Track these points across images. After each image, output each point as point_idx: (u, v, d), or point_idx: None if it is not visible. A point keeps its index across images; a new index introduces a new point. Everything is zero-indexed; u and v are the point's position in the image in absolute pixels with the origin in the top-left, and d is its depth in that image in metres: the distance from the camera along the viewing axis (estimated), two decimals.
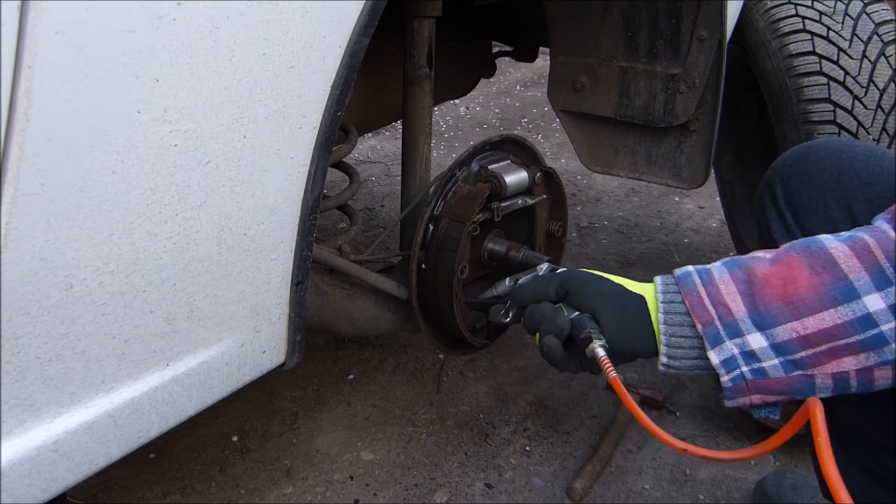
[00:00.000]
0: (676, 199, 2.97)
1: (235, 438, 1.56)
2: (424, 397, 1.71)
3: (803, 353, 0.72)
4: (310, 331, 1.06)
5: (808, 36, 1.61)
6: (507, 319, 1.02)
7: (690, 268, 0.81)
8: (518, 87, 4.93)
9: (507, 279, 1.06)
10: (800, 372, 0.73)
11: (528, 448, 1.56)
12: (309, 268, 0.91)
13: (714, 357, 0.75)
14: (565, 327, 0.85)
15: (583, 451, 1.55)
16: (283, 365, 0.95)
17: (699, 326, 0.76)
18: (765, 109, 1.74)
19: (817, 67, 1.58)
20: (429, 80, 1.30)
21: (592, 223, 2.77)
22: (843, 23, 1.61)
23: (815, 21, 1.62)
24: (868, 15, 1.63)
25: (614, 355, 0.82)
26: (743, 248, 2.15)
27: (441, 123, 4.11)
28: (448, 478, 1.47)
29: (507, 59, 2.29)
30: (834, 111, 1.55)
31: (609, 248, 2.55)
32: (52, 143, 0.59)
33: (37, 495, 0.70)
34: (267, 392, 1.70)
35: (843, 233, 0.75)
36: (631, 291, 0.85)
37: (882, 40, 1.60)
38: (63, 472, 0.72)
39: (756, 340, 0.73)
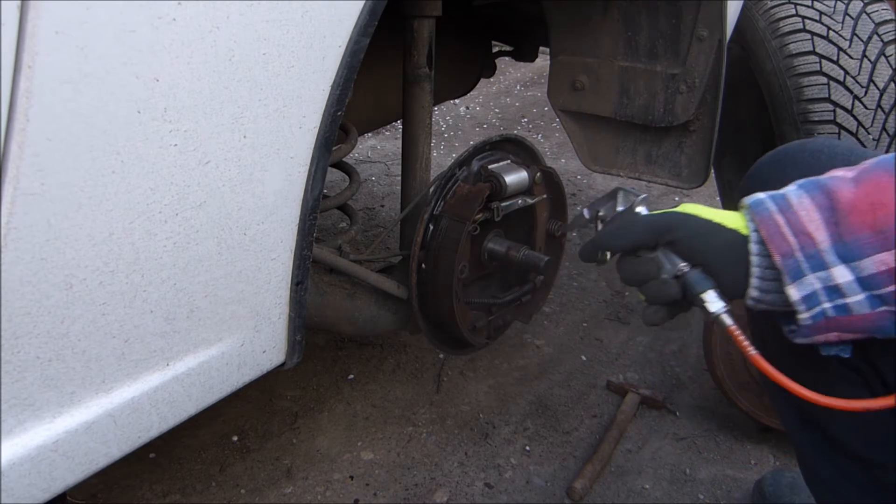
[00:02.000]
0: (676, 198, 2.97)
1: (235, 438, 1.56)
2: (424, 397, 1.71)
3: (892, 288, 0.65)
4: (310, 330, 1.06)
5: (808, 36, 1.61)
6: (607, 259, 0.86)
7: (761, 195, 0.73)
8: (518, 87, 4.93)
9: (585, 210, 0.91)
10: (885, 308, 0.67)
11: (528, 448, 1.56)
12: (309, 268, 0.91)
13: (794, 292, 0.68)
14: (676, 295, 0.77)
15: (583, 451, 1.55)
16: (283, 365, 0.95)
17: (777, 259, 0.69)
18: (765, 109, 1.74)
19: (817, 67, 1.58)
20: (429, 80, 1.30)
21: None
22: (843, 23, 1.61)
23: (815, 21, 1.62)
24: (868, 15, 1.63)
25: (751, 301, 0.75)
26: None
27: (441, 123, 4.10)
28: (448, 477, 1.47)
29: (507, 59, 2.29)
30: (834, 111, 1.55)
31: None
32: (52, 143, 0.59)
33: (37, 495, 0.70)
34: (267, 392, 1.70)
35: None
36: (743, 236, 0.74)
37: (882, 40, 1.60)
38: (63, 472, 0.72)
39: (841, 274, 0.66)
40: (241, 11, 0.70)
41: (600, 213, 0.89)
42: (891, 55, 1.58)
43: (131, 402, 0.76)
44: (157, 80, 0.65)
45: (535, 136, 3.92)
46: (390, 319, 1.32)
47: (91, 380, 0.71)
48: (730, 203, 2.23)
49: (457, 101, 4.42)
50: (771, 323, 0.80)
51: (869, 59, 1.57)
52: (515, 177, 1.28)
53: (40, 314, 0.64)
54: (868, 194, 0.66)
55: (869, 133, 1.53)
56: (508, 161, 1.33)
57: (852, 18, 1.62)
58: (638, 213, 0.86)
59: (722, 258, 0.75)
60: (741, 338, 0.74)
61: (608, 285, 2.27)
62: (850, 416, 0.78)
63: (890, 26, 1.62)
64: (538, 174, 1.34)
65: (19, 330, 0.63)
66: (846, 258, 0.66)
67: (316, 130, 0.84)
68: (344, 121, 1.07)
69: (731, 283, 0.75)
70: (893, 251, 0.64)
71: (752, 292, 0.73)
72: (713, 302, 0.75)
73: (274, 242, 0.85)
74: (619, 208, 0.89)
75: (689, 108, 1.51)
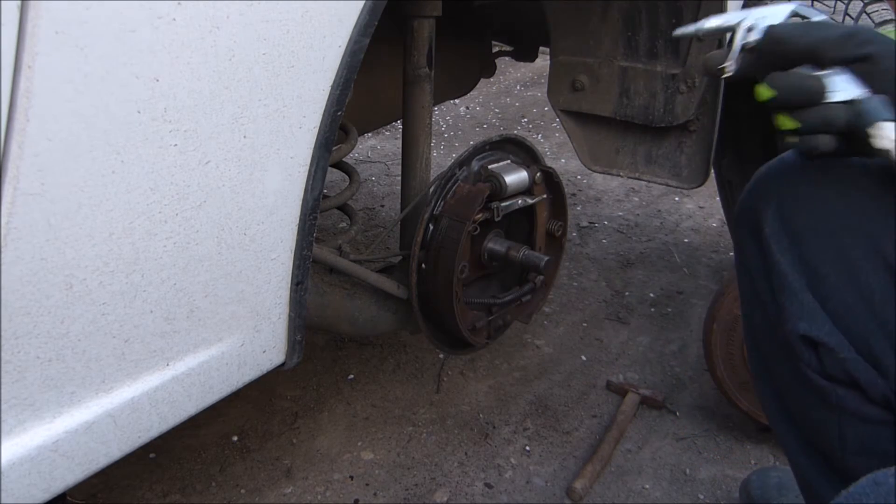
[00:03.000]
0: (676, 199, 2.97)
1: (235, 438, 1.56)
2: (424, 397, 1.71)
3: None
4: (310, 330, 1.06)
5: None
6: (729, 72, 0.70)
7: None
8: (518, 87, 4.93)
9: (718, 17, 0.74)
10: None
11: (528, 448, 1.56)
12: (309, 268, 0.91)
13: None
14: (843, 122, 0.65)
15: (583, 451, 1.55)
16: (283, 365, 0.95)
17: None
18: (765, 109, 1.74)
19: None
20: (429, 80, 1.30)
21: (592, 223, 2.77)
22: (842, 23, 1.61)
23: None
24: (868, 15, 1.63)
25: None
26: None
27: (441, 123, 4.11)
28: (448, 477, 1.47)
29: (507, 59, 2.29)
30: None
31: (609, 248, 2.55)
32: (52, 143, 0.59)
33: (37, 495, 0.70)
34: (267, 392, 1.70)
35: None
36: None
37: None
38: (63, 472, 0.72)
39: None
40: (241, 11, 0.70)
41: (747, 23, 0.71)
42: None
43: (131, 402, 0.76)
44: (157, 80, 0.65)
45: (535, 136, 3.92)
46: (390, 319, 1.32)
47: (91, 380, 0.71)
48: (730, 203, 2.23)
49: (457, 101, 4.42)
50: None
51: None
52: (515, 177, 1.29)
53: (40, 314, 0.64)
54: None
55: None
56: (508, 161, 1.34)
57: (852, 18, 1.62)
58: (822, 17, 0.71)
59: None
60: None
61: (608, 285, 2.27)
62: (864, 453, 0.77)
63: (890, 26, 1.62)
64: (538, 174, 1.34)
65: (19, 330, 0.63)
66: None
67: (316, 130, 0.84)
68: (344, 121, 1.07)
69: None
70: None
71: None
72: (886, 136, 0.63)
73: (274, 242, 0.85)
74: (779, 20, 0.71)
75: (689, 108, 1.51)
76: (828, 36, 0.67)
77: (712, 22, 0.75)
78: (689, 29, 0.78)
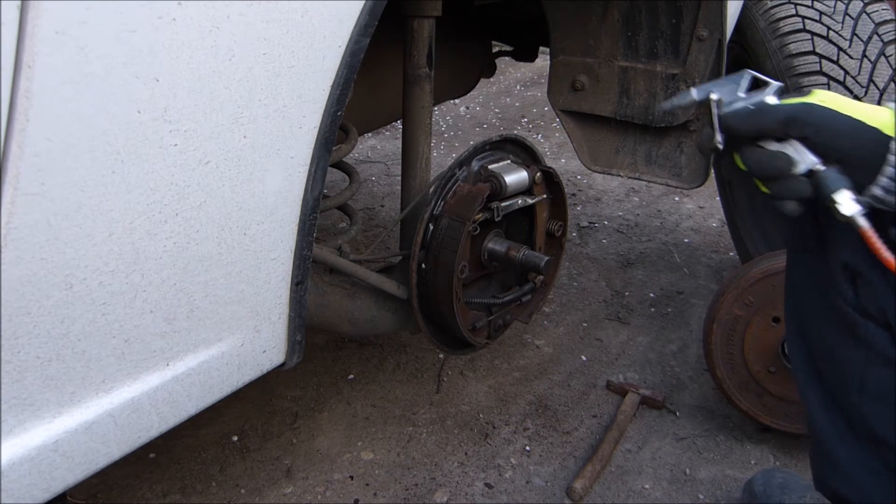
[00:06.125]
0: (676, 199, 2.97)
1: (235, 438, 1.56)
2: (424, 397, 1.71)
3: None
4: (310, 330, 1.06)
5: (808, 36, 1.61)
6: (720, 147, 0.80)
7: None
8: (518, 87, 4.93)
9: (695, 90, 0.83)
10: None
11: (528, 448, 1.56)
12: (309, 268, 0.91)
13: None
14: (807, 193, 0.75)
15: (583, 451, 1.55)
16: (283, 365, 0.95)
17: None
18: None
19: (817, 67, 1.58)
20: (429, 80, 1.30)
21: (592, 223, 2.77)
22: (843, 23, 1.61)
23: (815, 21, 1.62)
24: (868, 15, 1.63)
25: (869, 199, 0.74)
26: (743, 249, 2.15)
27: (441, 123, 4.11)
28: (448, 478, 1.47)
29: (507, 59, 2.29)
30: None
31: (609, 248, 2.55)
32: (52, 143, 0.59)
33: (37, 495, 0.70)
34: (267, 392, 1.70)
35: None
36: (885, 135, 0.74)
37: (882, 40, 1.60)
38: (63, 472, 0.72)
39: None
40: (241, 11, 0.70)
41: (715, 97, 0.81)
42: (891, 55, 1.58)
43: (131, 402, 0.76)
44: (157, 80, 0.65)
45: (535, 136, 3.92)
46: (390, 319, 1.32)
47: (91, 380, 0.71)
48: (730, 203, 2.24)
49: (457, 101, 4.42)
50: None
51: (869, 59, 1.57)
52: (515, 177, 1.29)
53: (40, 314, 0.64)
54: None
55: None
56: (508, 161, 1.34)
57: (852, 18, 1.62)
58: (770, 101, 0.80)
59: (861, 159, 0.73)
60: (877, 242, 0.73)
61: (608, 285, 2.27)
62: (879, 401, 0.81)
63: (890, 26, 1.62)
64: (538, 174, 1.34)
65: (19, 330, 0.63)
66: None
67: (316, 130, 0.84)
68: (344, 121, 1.07)
69: (859, 182, 0.74)
70: None
71: (877, 190, 0.73)
72: (846, 204, 0.72)
73: (274, 242, 0.85)
74: (742, 94, 0.81)
75: (689, 109, 1.51)
76: (769, 125, 0.76)
77: (682, 99, 0.85)
78: (666, 105, 0.89)
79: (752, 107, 0.78)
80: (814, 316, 0.90)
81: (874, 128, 0.74)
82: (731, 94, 0.81)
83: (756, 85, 0.83)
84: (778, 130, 0.77)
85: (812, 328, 0.90)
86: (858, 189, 0.74)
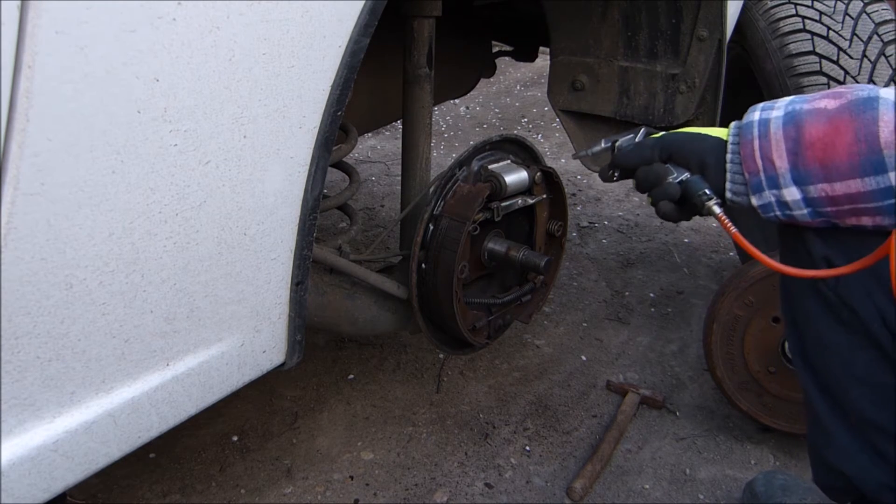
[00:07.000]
0: None
1: (235, 438, 1.56)
2: (424, 397, 1.71)
3: (829, 209, 0.83)
4: (310, 330, 1.06)
5: (808, 36, 1.61)
6: (615, 178, 1.06)
7: (756, 113, 0.88)
8: (518, 87, 4.93)
9: (603, 140, 1.08)
10: (823, 219, 0.85)
11: (528, 448, 1.56)
12: (309, 268, 0.91)
13: (754, 200, 0.88)
14: (676, 193, 0.94)
15: (583, 451, 1.55)
16: (283, 365, 0.95)
17: (746, 175, 0.88)
18: None
19: (817, 67, 1.58)
20: (429, 80, 1.30)
21: (592, 223, 2.77)
22: (843, 23, 1.61)
23: (815, 21, 1.62)
24: (868, 15, 1.63)
25: (728, 201, 0.92)
26: (742, 248, 2.15)
27: (441, 123, 4.11)
28: (448, 478, 1.47)
29: (507, 59, 2.29)
30: None
31: (609, 248, 2.55)
32: (52, 143, 0.59)
33: (37, 495, 0.70)
34: (267, 392, 1.70)
35: None
36: (723, 141, 0.93)
37: (882, 40, 1.60)
38: (63, 472, 0.72)
39: (791, 193, 0.84)
40: (241, 11, 0.70)
41: (618, 143, 1.04)
42: (891, 55, 1.58)
43: (131, 402, 0.76)
44: (157, 80, 0.65)
45: (535, 136, 3.92)
46: (390, 319, 1.32)
47: (91, 380, 0.71)
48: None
49: (457, 101, 4.42)
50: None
51: (869, 59, 1.57)
52: (515, 177, 1.29)
53: (40, 314, 0.64)
54: (828, 134, 0.80)
55: None
56: (508, 161, 1.34)
57: (852, 18, 1.62)
58: (644, 139, 1.03)
59: (704, 159, 0.93)
60: (727, 221, 0.90)
61: (608, 285, 2.27)
62: (865, 384, 0.89)
63: (890, 26, 1.62)
64: (538, 174, 1.34)
65: (19, 330, 0.63)
66: (798, 181, 0.84)
67: (316, 130, 0.84)
68: (344, 121, 1.07)
69: (714, 182, 0.92)
70: (833, 183, 0.81)
71: (728, 193, 0.92)
72: (706, 196, 0.91)
73: (274, 242, 0.85)
74: (638, 140, 1.04)
75: (689, 108, 1.51)
76: (645, 154, 0.98)
77: (595, 147, 1.09)
78: (584, 152, 1.13)
79: (631, 146, 1.03)
80: (806, 307, 0.94)
81: (714, 136, 0.93)
82: (629, 142, 1.04)
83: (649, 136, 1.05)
84: (651, 157, 0.98)
85: (801, 317, 0.96)
86: (719, 191, 0.92)
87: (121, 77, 0.62)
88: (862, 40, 1.59)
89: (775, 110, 0.86)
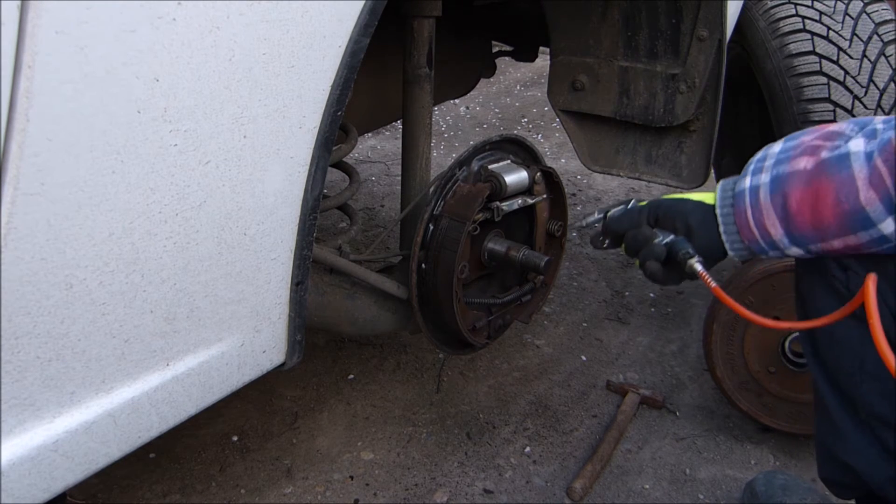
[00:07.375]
0: None
1: (235, 438, 1.56)
2: (424, 397, 1.71)
3: (835, 253, 0.88)
4: (310, 330, 1.06)
5: (808, 36, 1.61)
6: (605, 246, 1.12)
7: (747, 183, 0.92)
8: (518, 87, 4.93)
9: (597, 211, 1.14)
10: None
11: (528, 448, 1.56)
12: (309, 268, 0.91)
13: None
14: (662, 253, 0.98)
15: (583, 451, 1.55)
16: (283, 365, 0.95)
17: (745, 241, 0.93)
18: (765, 109, 1.74)
19: (817, 67, 1.58)
20: (429, 80, 1.30)
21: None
22: (843, 22, 1.61)
23: (815, 21, 1.62)
24: (868, 15, 1.63)
25: (711, 260, 0.97)
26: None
27: (441, 123, 4.11)
28: (448, 478, 1.47)
29: (507, 59, 2.29)
30: (834, 111, 1.55)
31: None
32: (52, 143, 0.59)
33: (37, 495, 0.70)
34: (267, 392, 1.70)
35: (872, 142, 0.82)
36: (709, 205, 0.98)
37: (882, 40, 1.60)
38: (63, 472, 0.72)
39: (793, 251, 0.90)
40: (241, 11, 0.70)
41: (609, 213, 1.10)
42: (891, 55, 1.58)
43: (131, 402, 0.76)
44: (157, 80, 0.65)
45: (535, 136, 3.93)
46: (390, 319, 1.32)
47: (91, 380, 0.71)
48: None
49: (457, 101, 4.42)
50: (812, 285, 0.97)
51: (869, 59, 1.57)
52: (515, 177, 1.29)
53: (40, 314, 0.64)
54: (811, 198, 0.84)
55: None
56: (508, 161, 1.33)
57: (852, 18, 1.62)
58: (633, 206, 1.08)
59: (688, 221, 0.98)
60: (708, 278, 0.94)
61: (608, 285, 2.27)
62: (876, 379, 0.90)
63: (890, 26, 1.62)
64: (538, 174, 1.34)
65: (19, 330, 0.63)
66: (797, 244, 0.89)
67: (316, 130, 0.84)
68: (344, 121, 1.07)
69: (706, 242, 0.97)
70: (830, 241, 0.85)
71: (730, 252, 0.97)
72: (688, 255, 0.95)
73: (274, 242, 0.85)
74: (630, 208, 1.09)
75: (689, 108, 1.51)
76: (633, 219, 1.03)
77: (591, 217, 1.13)
78: (582, 222, 1.16)
79: (620, 213, 1.08)
80: (817, 305, 0.96)
81: (696, 200, 0.99)
82: (620, 212, 1.09)
83: None
84: (640, 221, 1.02)
85: (812, 312, 0.96)
86: (709, 249, 0.97)
87: (121, 77, 0.62)
88: (862, 40, 1.59)
89: (763, 173, 0.90)
